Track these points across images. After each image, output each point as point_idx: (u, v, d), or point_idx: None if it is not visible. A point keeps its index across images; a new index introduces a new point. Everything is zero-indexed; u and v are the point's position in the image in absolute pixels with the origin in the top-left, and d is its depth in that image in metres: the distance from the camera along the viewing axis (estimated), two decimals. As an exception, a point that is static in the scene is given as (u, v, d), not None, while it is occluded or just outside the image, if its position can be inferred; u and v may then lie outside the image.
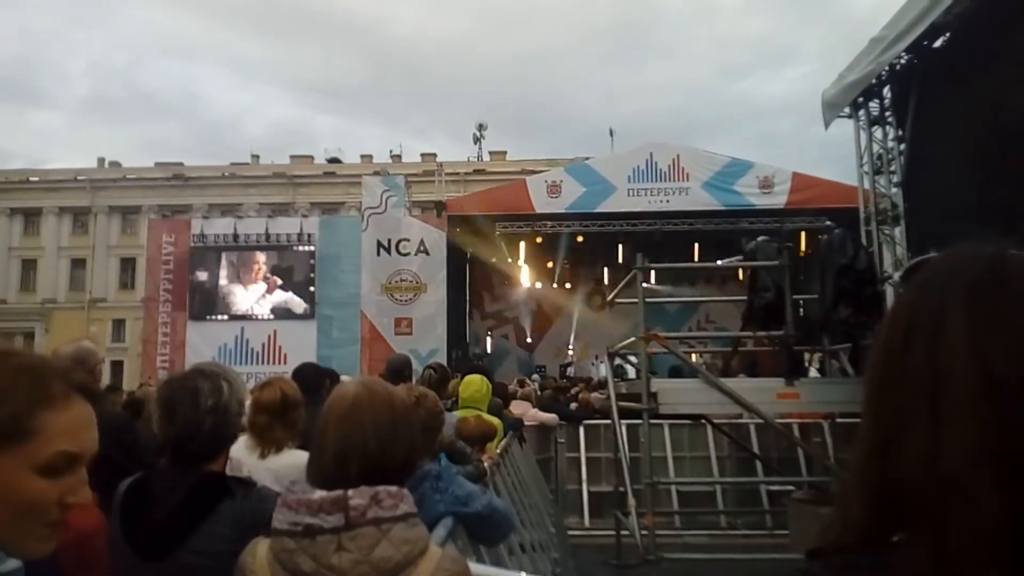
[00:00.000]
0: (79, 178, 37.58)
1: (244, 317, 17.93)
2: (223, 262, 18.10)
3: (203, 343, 17.30)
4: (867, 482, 0.74)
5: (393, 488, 1.42)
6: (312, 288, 18.01)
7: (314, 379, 4.24)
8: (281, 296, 17.99)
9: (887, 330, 0.78)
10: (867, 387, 0.78)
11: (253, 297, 18.03)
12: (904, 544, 0.69)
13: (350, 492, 1.38)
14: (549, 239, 17.74)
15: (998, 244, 0.76)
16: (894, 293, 8.97)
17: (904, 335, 0.75)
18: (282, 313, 17.98)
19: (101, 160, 40.13)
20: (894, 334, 0.76)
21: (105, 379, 28.02)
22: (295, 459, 2.81)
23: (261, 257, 18.22)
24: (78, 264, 37.40)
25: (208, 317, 17.93)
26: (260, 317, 17.95)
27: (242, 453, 2.85)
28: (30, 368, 0.94)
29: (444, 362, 14.09)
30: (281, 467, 2.79)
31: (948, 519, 0.66)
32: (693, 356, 12.18)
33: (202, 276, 18.02)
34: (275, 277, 18.11)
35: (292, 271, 18.18)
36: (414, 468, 1.65)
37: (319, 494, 1.40)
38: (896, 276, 9.04)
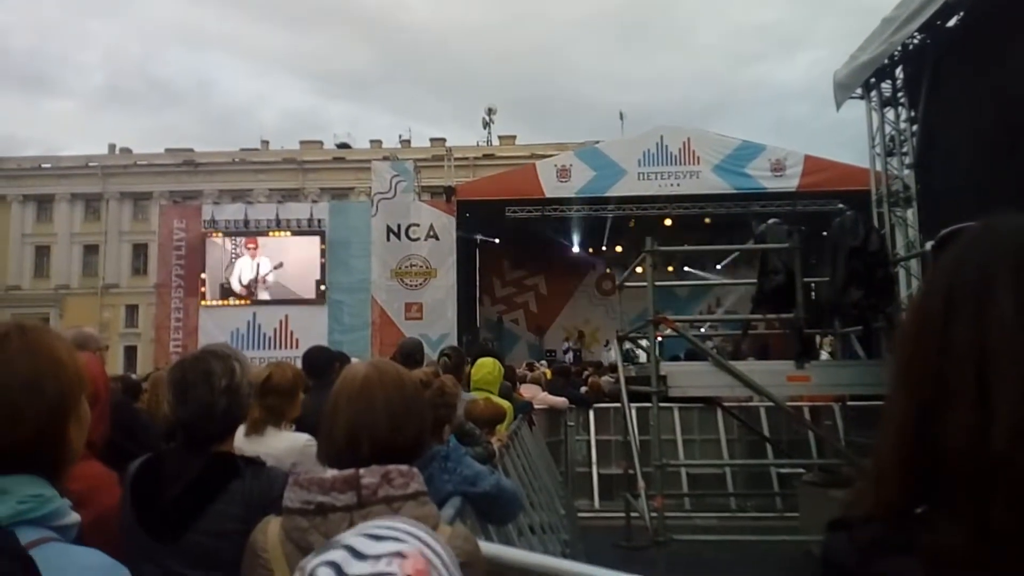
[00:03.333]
0: (91, 164, 37.76)
1: (256, 302, 18.03)
2: (231, 246, 18.17)
3: (216, 328, 17.40)
4: (902, 455, 0.72)
5: (404, 467, 1.43)
6: (323, 274, 18.07)
7: (324, 361, 4.28)
8: (276, 275, 18.03)
9: (924, 300, 0.76)
10: (901, 356, 0.76)
11: (248, 271, 18.04)
12: (934, 518, 0.68)
13: (362, 471, 1.40)
14: (559, 223, 17.70)
15: None
16: (909, 270, 8.91)
17: (945, 305, 0.73)
18: (282, 291, 18.02)
19: (112, 147, 40.29)
20: (933, 303, 0.74)
21: (117, 365, 28.31)
22: (294, 441, 2.83)
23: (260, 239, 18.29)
24: (91, 250, 37.66)
25: (217, 302, 18.02)
26: (271, 300, 18.05)
27: (240, 439, 2.87)
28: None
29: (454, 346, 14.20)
30: (282, 450, 2.81)
31: (994, 495, 0.64)
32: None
33: (213, 262, 18.11)
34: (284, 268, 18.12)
35: (302, 256, 18.24)
36: (424, 448, 1.67)
37: (331, 473, 1.41)
38: (911, 251, 8.96)
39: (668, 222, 16.63)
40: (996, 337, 0.68)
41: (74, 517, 1.07)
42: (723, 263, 18.33)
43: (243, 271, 18.13)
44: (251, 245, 18.19)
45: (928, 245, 8.62)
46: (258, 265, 18.12)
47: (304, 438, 2.81)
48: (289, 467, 2.69)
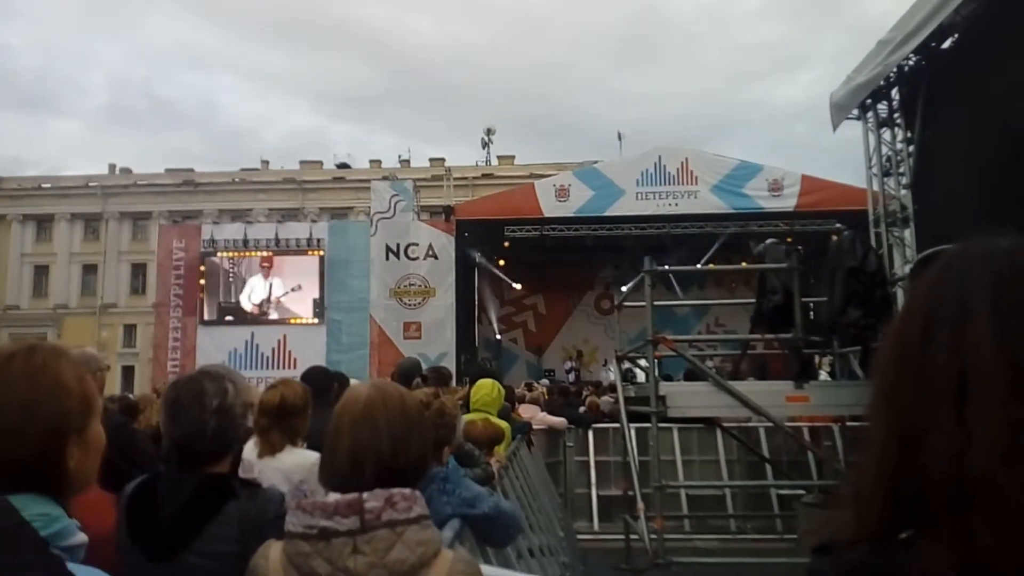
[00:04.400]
0: (90, 184, 37.85)
1: (254, 321, 18.02)
2: (228, 265, 18.18)
3: (214, 348, 17.37)
4: (884, 478, 0.71)
5: (407, 491, 1.43)
6: (321, 293, 18.08)
7: (322, 382, 4.27)
8: (282, 288, 18.03)
9: (902, 323, 0.76)
10: (881, 381, 0.76)
11: (260, 290, 18.05)
12: (919, 542, 0.67)
13: (365, 495, 1.39)
14: (557, 243, 17.75)
15: (1011, 237, 0.75)
16: (906, 289, 8.93)
17: (923, 328, 0.73)
18: (288, 312, 18.03)
19: (112, 167, 40.44)
20: (911, 327, 0.74)
21: (115, 385, 28.24)
22: (303, 458, 2.84)
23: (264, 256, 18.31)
24: (90, 270, 37.64)
25: (218, 320, 18.01)
26: (269, 320, 18.05)
27: (251, 453, 2.89)
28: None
29: (452, 366, 14.16)
30: (290, 466, 2.83)
31: (978, 518, 0.63)
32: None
33: (211, 282, 18.12)
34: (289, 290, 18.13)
35: (301, 276, 18.26)
36: (426, 470, 1.66)
37: (333, 497, 1.41)
38: (906, 269, 8.99)
39: (667, 242, 16.65)
40: (972, 360, 0.68)
41: (81, 537, 1.07)
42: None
43: (255, 290, 18.12)
44: (265, 264, 18.19)
45: (906, 268, 8.65)
46: (271, 285, 18.12)
47: (313, 456, 2.81)
48: (296, 484, 2.70)
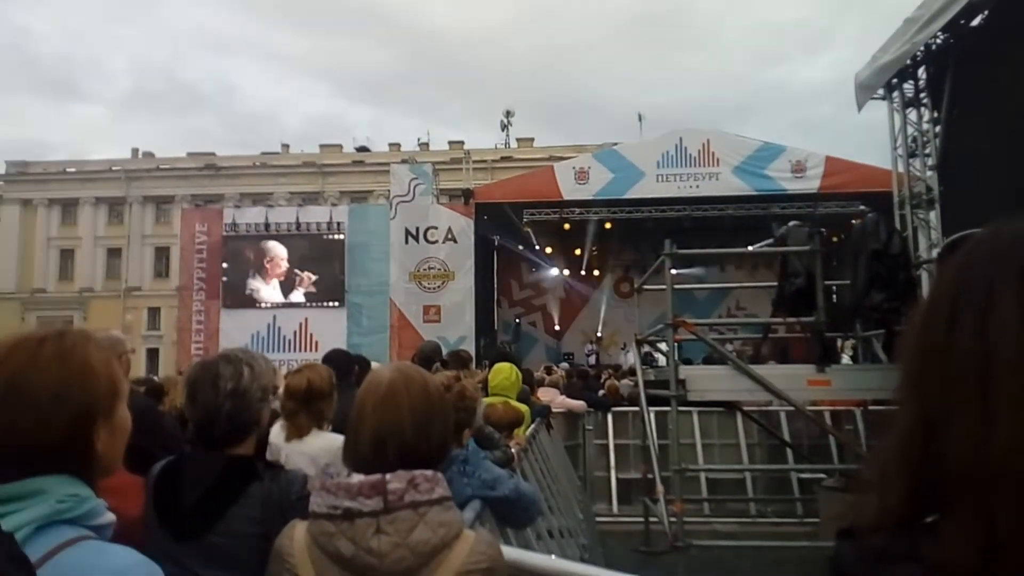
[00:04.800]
0: (114, 168, 38.26)
1: (272, 304, 18.20)
2: (250, 255, 18.36)
3: (236, 331, 17.59)
4: (908, 463, 0.72)
5: (429, 472, 1.45)
6: (342, 276, 18.21)
7: (344, 365, 4.31)
8: (299, 295, 18.28)
9: (928, 308, 0.75)
10: (906, 365, 0.76)
11: (275, 292, 18.32)
12: (940, 528, 0.67)
13: (388, 476, 1.41)
14: (577, 226, 17.69)
15: None
16: (931, 273, 8.81)
17: (949, 314, 0.73)
18: (311, 299, 18.24)
19: (135, 151, 40.82)
20: (937, 312, 0.74)
21: (139, 367, 28.68)
22: (329, 442, 2.87)
23: (283, 252, 18.39)
24: (114, 253, 38.13)
25: (238, 305, 18.21)
26: (288, 303, 18.23)
27: (277, 436, 2.92)
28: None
29: (472, 349, 14.21)
30: (316, 449, 2.86)
31: (999, 505, 0.63)
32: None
33: (233, 266, 18.29)
34: (304, 273, 18.28)
35: (322, 260, 18.39)
36: (448, 452, 1.68)
37: (357, 478, 1.43)
38: (934, 254, 8.86)
39: (688, 224, 16.52)
40: (998, 344, 0.68)
41: (109, 517, 1.10)
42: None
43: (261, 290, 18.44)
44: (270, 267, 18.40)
45: (933, 252, 8.53)
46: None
47: (339, 440, 2.83)
48: (323, 467, 2.73)
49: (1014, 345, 0.67)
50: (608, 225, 17.45)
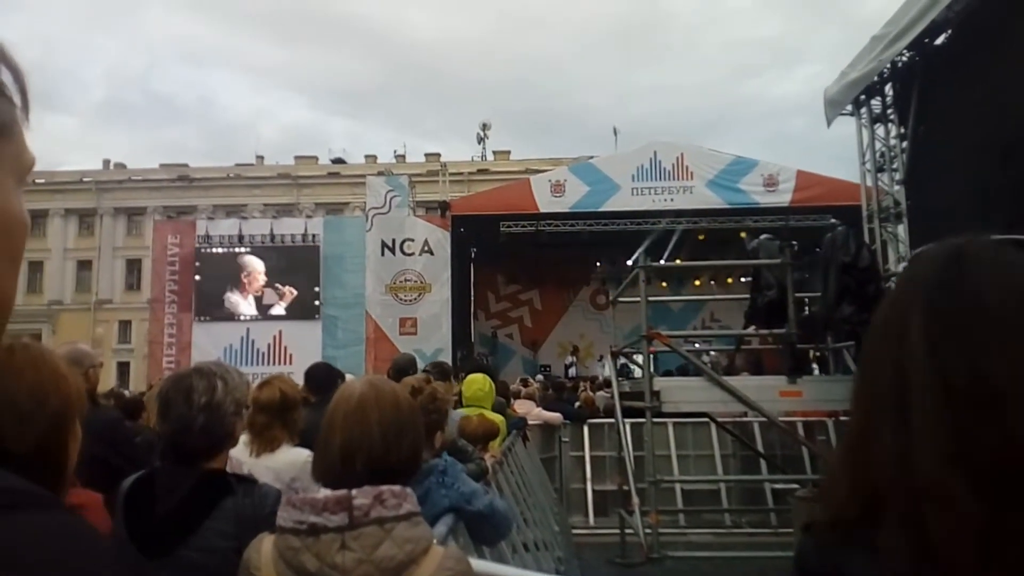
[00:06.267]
0: (84, 180, 37.73)
1: (250, 318, 18.01)
2: (226, 268, 18.17)
3: (209, 344, 17.35)
4: (847, 474, 0.76)
5: (397, 487, 1.44)
6: (317, 288, 18.07)
7: (327, 378, 4.27)
8: (280, 309, 18.13)
9: (871, 328, 0.80)
10: (855, 381, 0.81)
11: (251, 307, 18.15)
12: (881, 529, 0.71)
13: (354, 492, 1.41)
14: (553, 238, 17.76)
15: (968, 239, 0.78)
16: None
17: (878, 336, 0.78)
18: (292, 314, 18.09)
19: (106, 162, 40.29)
20: (874, 331, 0.79)
21: (110, 381, 28.24)
22: (294, 457, 2.83)
23: (260, 267, 18.21)
24: (84, 266, 37.55)
25: (210, 318, 17.99)
26: (266, 316, 18.04)
27: (240, 452, 2.87)
28: None
29: (449, 362, 14.16)
30: (281, 465, 2.81)
31: (928, 519, 0.67)
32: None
33: (206, 278, 18.08)
34: (286, 288, 18.13)
35: (297, 272, 18.24)
36: (419, 466, 1.68)
37: (323, 493, 1.43)
38: (902, 267, 9.01)
39: (662, 237, 16.66)
40: (908, 369, 0.72)
41: None
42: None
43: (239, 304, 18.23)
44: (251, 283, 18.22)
45: (902, 265, 8.71)
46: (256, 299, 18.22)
47: (305, 454, 2.80)
48: (288, 482, 2.70)
49: (921, 371, 0.71)
50: (584, 238, 17.55)
